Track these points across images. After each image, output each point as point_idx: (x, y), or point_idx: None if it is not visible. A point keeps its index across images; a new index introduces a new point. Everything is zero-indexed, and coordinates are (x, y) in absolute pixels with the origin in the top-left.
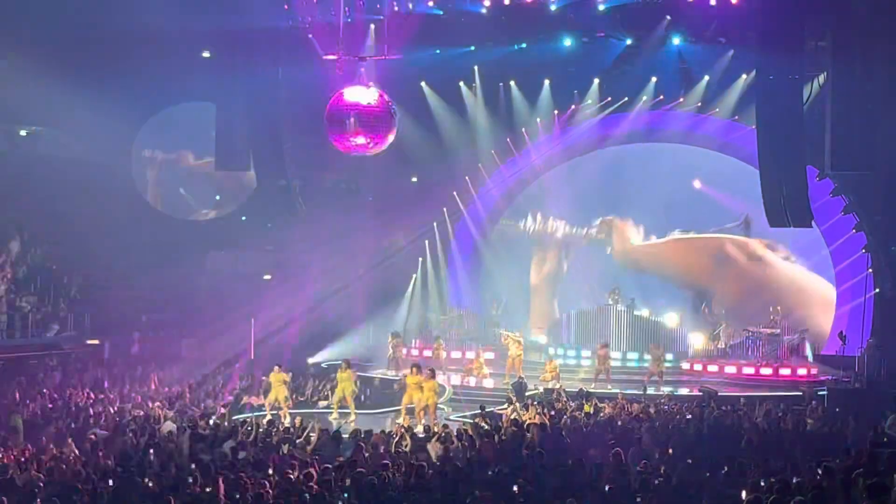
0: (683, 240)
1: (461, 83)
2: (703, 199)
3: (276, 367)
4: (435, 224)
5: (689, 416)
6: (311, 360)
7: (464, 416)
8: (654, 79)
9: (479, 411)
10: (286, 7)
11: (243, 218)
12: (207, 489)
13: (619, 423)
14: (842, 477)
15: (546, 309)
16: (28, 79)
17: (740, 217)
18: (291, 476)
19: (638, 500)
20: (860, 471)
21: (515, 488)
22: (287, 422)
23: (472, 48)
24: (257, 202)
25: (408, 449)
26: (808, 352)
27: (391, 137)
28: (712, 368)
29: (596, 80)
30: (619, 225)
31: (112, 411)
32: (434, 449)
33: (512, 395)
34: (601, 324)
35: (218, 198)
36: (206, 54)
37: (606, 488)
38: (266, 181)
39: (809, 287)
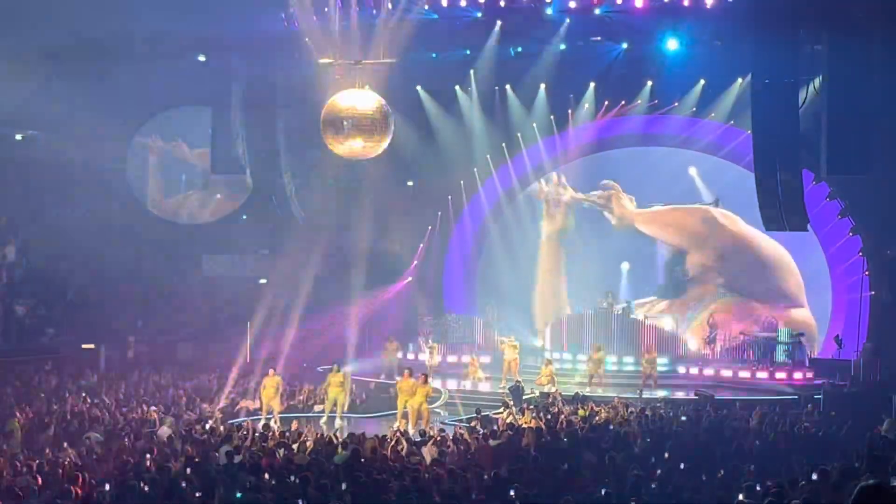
0: (678, 208)
1: (457, 87)
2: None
3: (271, 371)
4: (430, 228)
5: (683, 419)
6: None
7: (460, 420)
8: (649, 82)
9: (475, 415)
10: (283, 15)
11: (244, 217)
12: (201, 494)
13: (615, 426)
14: (838, 481)
15: (554, 263)
16: (23, 83)
17: (711, 198)
18: (287, 480)
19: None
20: (856, 474)
21: (512, 492)
22: (277, 426)
23: (468, 52)
24: (253, 206)
25: (403, 453)
26: (804, 355)
27: (387, 141)
28: (708, 372)
29: (592, 85)
30: (618, 192)
31: (108, 416)
32: (429, 453)
33: (508, 398)
34: (597, 328)
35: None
36: (201, 58)
37: (602, 492)
38: (262, 185)
39: (783, 255)
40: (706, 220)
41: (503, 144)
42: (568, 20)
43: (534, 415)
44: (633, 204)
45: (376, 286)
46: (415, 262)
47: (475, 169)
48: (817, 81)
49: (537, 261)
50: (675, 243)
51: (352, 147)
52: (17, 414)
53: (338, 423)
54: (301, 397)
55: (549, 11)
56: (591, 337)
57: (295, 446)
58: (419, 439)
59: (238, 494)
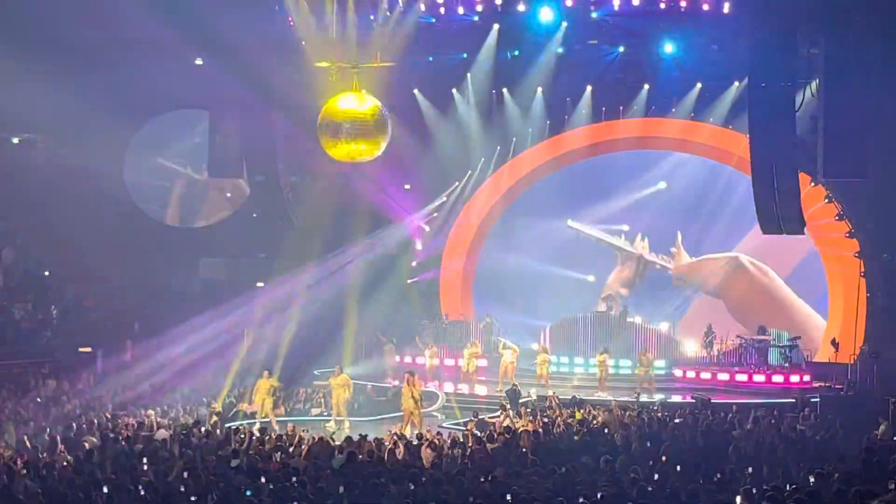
0: (712, 257)
1: (454, 90)
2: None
3: (266, 374)
4: (426, 230)
5: (677, 421)
6: (303, 368)
7: (457, 423)
8: (646, 86)
9: (472, 418)
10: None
11: (254, 214)
12: (198, 498)
13: (612, 430)
14: (835, 484)
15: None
16: (20, 87)
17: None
18: (285, 484)
19: None
20: (853, 478)
21: (508, 496)
22: (277, 429)
23: (465, 56)
24: (250, 209)
25: (401, 456)
26: (801, 359)
27: (384, 145)
28: (705, 375)
29: (588, 88)
30: (679, 251)
31: (105, 419)
32: (426, 456)
33: (506, 402)
34: (594, 331)
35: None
36: (198, 62)
37: (599, 496)
38: (259, 188)
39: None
40: (731, 263)
41: (499, 147)
42: (565, 23)
43: (531, 418)
44: (687, 257)
45: (373, 289)
46: (412, 265)
47: (471, 172)
48: (814, 85)
49: (539, 263)
50: (714, 294)
51: (349, 150)
52: (14, 417)
53: (346, 424)
54: (301, 400)
55: (545, 15)
56: (590, 340)
57: (292, 449)
58: (417, 443)
59: (235, 498)
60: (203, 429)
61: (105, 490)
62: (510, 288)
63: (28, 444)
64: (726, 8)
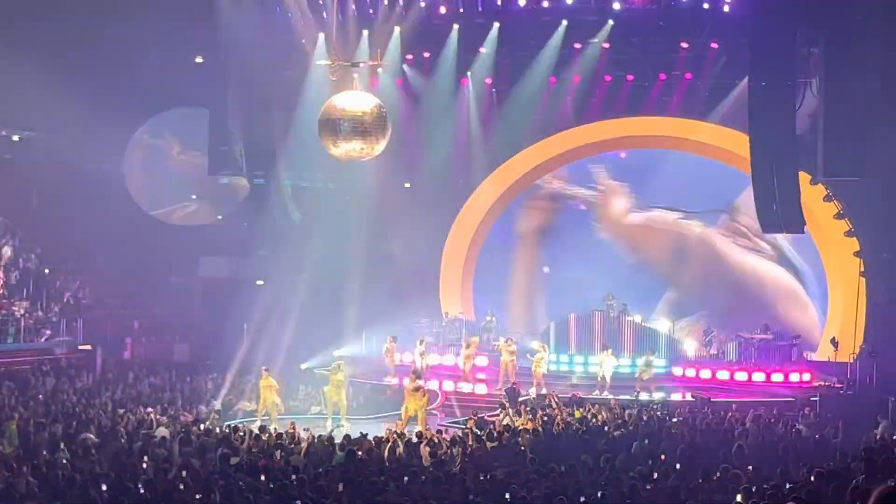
0: (651, 226)
1: (455, 88)
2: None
3: (265, 372)
4: (427, 229)
5: (677, 420)
6: (304, 366)
7: (456, 422)
8: (645, 85)
9: (472, 417)
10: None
11: (245, 224)
12: (199, 496)
13: (611, 428)
14: (834, 483)
15: (528, 266)
16: (21, 84)
17: (729, 204)
18: (284, 482)
19: None
20: (852, 477)
21: (508, 494)
22: (276, 427)
23: (466, 54)
24: (250, 207)
25: (400, 455)
26: (801, 357)
27: (384, 143)
28: (705, 374)
29: (588, 87)
30: (617, 190)
31: (104, 417)
32: (425, 454)
33: (505, 401)
34: (593, 329)
35: (194, 197)
36: (198, 59)
37: (599, 495)
38: (259, 186)
39: (773, 280)
40: (675, 238)
41: (497, 146)
42: (566, 22)
43: (530, 416)
44: (628, 207)
45: (372, 288)
46: (412, 263)
47: (472, 170)
48: (814, 84)
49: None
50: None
51: (349, 149)
52: (14, 415)
53: (345, 424)
54: (300, 398)
55: (548, 15)
56: (589, 339)
57: (291, 447)
58: (416, 441)
59: (235, 496)
60: (203, 426)
61: (105, 488)
62: (511, 286)
63: (29, 441)
64: (726, 7)
